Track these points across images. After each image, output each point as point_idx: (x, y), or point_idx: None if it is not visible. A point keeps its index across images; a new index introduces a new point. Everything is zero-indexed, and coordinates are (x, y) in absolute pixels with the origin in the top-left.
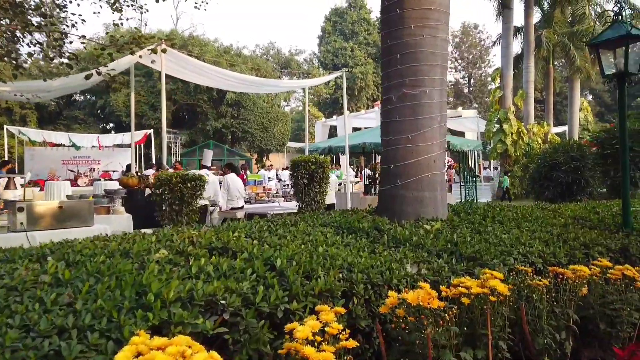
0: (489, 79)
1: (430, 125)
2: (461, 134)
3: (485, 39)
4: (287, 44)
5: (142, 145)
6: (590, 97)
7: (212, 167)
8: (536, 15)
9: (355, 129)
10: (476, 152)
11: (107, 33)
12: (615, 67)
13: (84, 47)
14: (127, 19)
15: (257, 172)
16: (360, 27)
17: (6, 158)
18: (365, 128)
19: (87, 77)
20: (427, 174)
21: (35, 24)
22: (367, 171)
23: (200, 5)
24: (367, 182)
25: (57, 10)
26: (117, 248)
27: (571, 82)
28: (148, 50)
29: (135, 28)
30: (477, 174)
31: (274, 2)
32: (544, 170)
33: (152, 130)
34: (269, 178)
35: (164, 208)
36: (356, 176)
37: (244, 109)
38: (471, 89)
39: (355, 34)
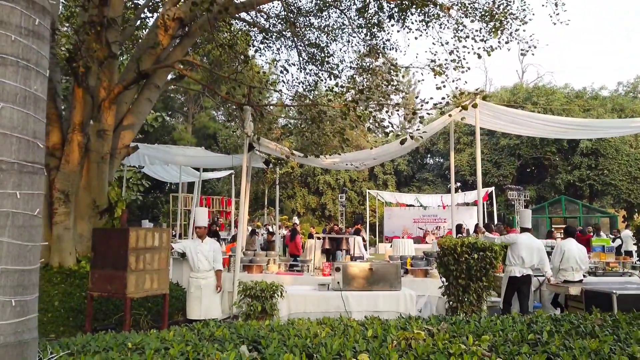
0: None
1: None
2: None
3: None
4: None
5: (485, 202)
6: None
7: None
8: None
9: None
10: None
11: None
12: None
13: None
14: (453, 81)
15: (618, 234)
16: None
17: (370, 217)
18: None
19: (402, 142)
20: None
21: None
22: None
23: (527, 52)
24: None
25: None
26: None
27: None
28: (458, 107)
29: (456, 88)
30: None
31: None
32: None
33: (493, 188)
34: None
35: (447, 282)
36: None
37: (604, 158)
38: None
39: None
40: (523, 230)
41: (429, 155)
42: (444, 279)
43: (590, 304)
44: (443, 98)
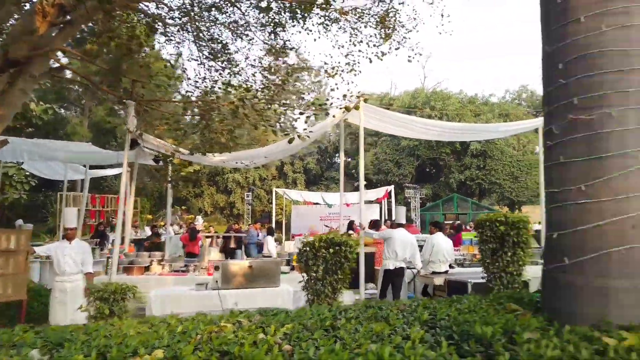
0: None
1: (622, 168)
2: None
3: None
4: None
5: (385, 200)
6: None
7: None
8: None
9: None
10: None
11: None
12: None
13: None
14: (348, 83)
15: None
16: None
17: (278, 215)
18: None
19: (290, 141)
20: (618, 249)
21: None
22: None
23: (413, 58)
24: None
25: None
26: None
27: None
28: (341, 109)
29: (348, 90)
30: None
31: (527, 44)
32: None
33: (393, 186)
34: None
35: (307, 276)
36: None
37: (491, 159)
38: None
39: None
40: (398, 225)
41: (337, 155)
42: (304, 274)
43: (452, 292)
44: (327, 99)
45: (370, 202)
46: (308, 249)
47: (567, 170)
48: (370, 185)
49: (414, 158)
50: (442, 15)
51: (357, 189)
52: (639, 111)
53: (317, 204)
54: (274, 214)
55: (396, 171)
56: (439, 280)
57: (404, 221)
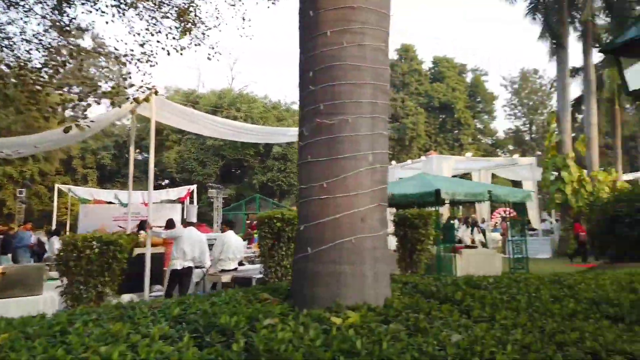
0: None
1: (355, 168)
2: (518, 184)
3: (546, 84)
4: None
5: (187, 200)
6: None
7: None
8: (598, 55)
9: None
10: (526, 203)
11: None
12: None
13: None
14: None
15: None
16: (411, 78)
17: (62, 215)
18: None
19: (66, 131)
20: (349, 239)
21: None
22: None
23: (213, 57)
24: None
25: None
26: None
27: None
28: (130, 100)
29: (124, 78)
30: (534, 227)
31: None
32: (604, 224)
33: (195, 186)
34: None
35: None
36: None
37: (290, 162)
38: (533, 136)
39: (407, 85)
40: (189, 224)
41: (137, 150)
42: (63, 278)
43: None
44: (114, 87)
45: (172, 201)
46: (70, 248)
47: (313, 169)
48: (173, 184)
49: (219, 158)
50: (243, 19)
51: (159, 187)
52: (369, 119)
53: (110, 203)
54: (54, 213)
55: (200, 170)
56: (226, 278)
57: (194, 220)
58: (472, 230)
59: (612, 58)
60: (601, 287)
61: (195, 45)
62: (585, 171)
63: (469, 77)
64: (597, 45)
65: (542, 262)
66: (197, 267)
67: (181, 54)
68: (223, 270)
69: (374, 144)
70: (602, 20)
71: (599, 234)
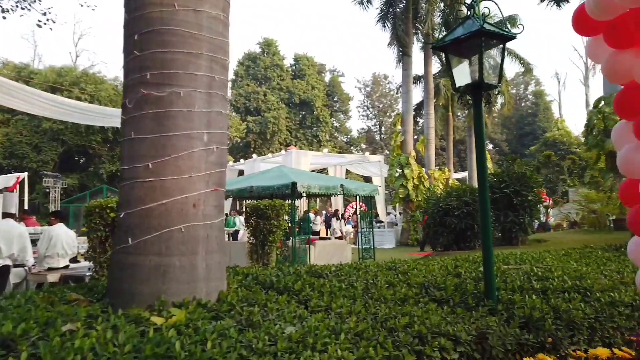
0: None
1: (188, 148)
2: (369, 179)
3: (394, 89)
4: None
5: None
6: (490, 146)
7: (25, 217)
8: (436, 66)
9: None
10: (374, 196)
11: None
12: (469, 76)
13: None
14: None
15: None
16: (273, 73)
17: None
18: None
19: None
20: (179, 227)
21: None
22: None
23: (45, 24)
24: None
25: None
26: None
27: (469, 130)
28: None
29: None
30: (380, 219)
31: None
32: (438, 216)
33: (26, 174)
34: None
35: None
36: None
37: None
38: (382, 136)
39: (268, 79)
40: (7, 216)
41: None
42: None
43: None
44: None
45: None
46: None
47: (137, 147)
48: (1, 171)
49: (58, 143)
50: None
51: None
52: (204, 95)
53: None
54: None
55: (35, 157)
56: (53, 277)
57: (14, 211)
58: (343, 223)
59: (441, 55)
60: (430, 273)
61: (21, 8)
62: (424, 169)
63: (327, 76)
64: (435, 53)
65: (387, 252)
66: (16, 266)
67: (4, 17)
68: (50, 269)
69: (210, 122)
70: (441, 34)
71: (433, 225)
